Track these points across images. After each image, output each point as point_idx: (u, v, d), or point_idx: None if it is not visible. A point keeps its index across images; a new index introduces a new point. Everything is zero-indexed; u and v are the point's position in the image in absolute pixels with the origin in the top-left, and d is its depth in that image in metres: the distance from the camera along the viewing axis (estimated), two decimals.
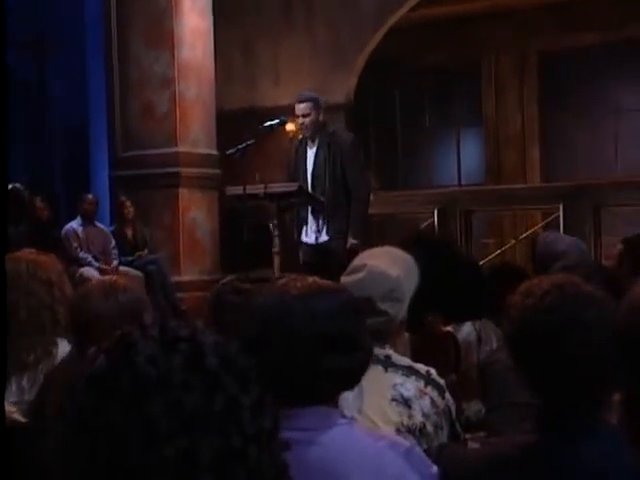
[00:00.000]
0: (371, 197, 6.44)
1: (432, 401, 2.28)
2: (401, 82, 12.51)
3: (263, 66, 10.86)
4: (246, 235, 6.12)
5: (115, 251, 8.86)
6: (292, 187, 5.84)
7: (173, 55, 9.18)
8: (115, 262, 8.76)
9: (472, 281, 3.60)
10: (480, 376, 3.12)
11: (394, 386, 2.26)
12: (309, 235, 6.02)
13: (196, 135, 9.37)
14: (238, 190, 5.91)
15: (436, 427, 2.27)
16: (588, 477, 1.46)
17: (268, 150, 8.04)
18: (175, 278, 9.00)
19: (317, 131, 6.00)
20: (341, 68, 10.38)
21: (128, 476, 0.92)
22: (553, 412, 1.54)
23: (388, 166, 12.30)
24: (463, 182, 12.26)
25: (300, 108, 6.02)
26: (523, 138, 12.03)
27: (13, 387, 2.79)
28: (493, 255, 9.59)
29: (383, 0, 10.22)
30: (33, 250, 3.10)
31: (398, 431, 2.21)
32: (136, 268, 8.76)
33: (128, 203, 9.02)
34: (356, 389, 1.89)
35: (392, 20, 10.30)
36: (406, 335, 2.51)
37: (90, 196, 9.14)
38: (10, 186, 9.57)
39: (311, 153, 6.04)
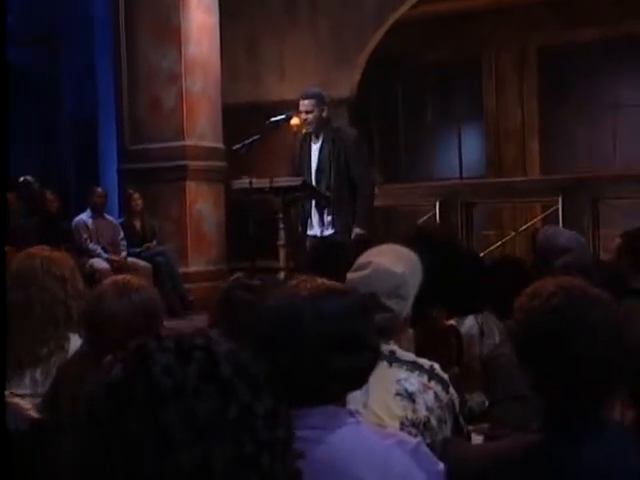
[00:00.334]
0: (375, 191, 6.44)
1: (436, 395, 2.29)
2: (403, 77, 12.49)
3: (268, 62, 10.84)
4: (252, 228, 6.12)
5: (124, 242, 8.87)
6: (297, 181, 5.83)
7: (180, 51, 9.19)
8: (124, 253, 8.77)
9: (474, 275, 3.61)
10: (483, 369, 3.13)
11: (398, 381, 2.26)
12: (314, 228, 6.02)
13: (203, 129, 9.38)
14: (244, 184, 5.90)
15: (440, 421, 2.27)
16: (592, 478, 1.47)
17: (273, 144, 8.03)
18: (182, 269, 9.01)
19: (321, 126, 5.99)
20: (344, 64, 10.36)
21: None
22: (557, 413, 1.55)
23: (391, 160, 12.29)
24: (464, 175, 12.23)
25: (304, 104, 6.01)
26: (523, 132, 12.01)
27: (27, 380, 2.81)
28: (493, 247, 9.60)
29: None
30: (46, 247, 3.10)
31: (402, 425, 2.22)
32: (144, 259, 8.77)
33: (136, 195, 9.03)
34: None
35: (394, 17, 10.28)
36: (410, 331, 2.51)
37: (99, 189, 9.15)
38: (21, 179, 9.60)
39: (315, 148, 6.04)
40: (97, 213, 8.83)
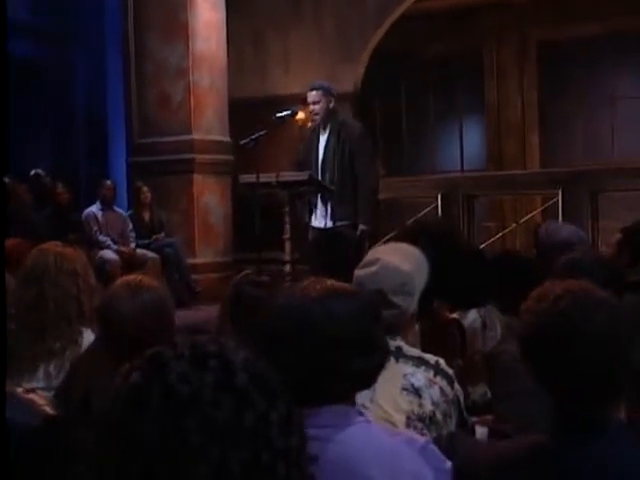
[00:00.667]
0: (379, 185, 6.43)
1: (441, 390, 2.29)
2: (406, 72, 12.45)
3: (273, 56, 10.82)
4: (258, 221, 6.12)
5: (133, 234, 8.86)
6: (303, 176, 5.83)
7: (187, 47, 9.18)
8: (133, 245, 8.77)
9: (475, 269, 3.61)
10: (486, 362, 3.12)
11: (405, 376, 2.26)
12: (318, 220, 6.02)
13: (210, 123, 9.37)
14: (251, 178, 5.89)
15: (445, 415, 2.27)
16: (599, 477, 1.46)
17: (279, 138, 8.02)
18: (190, 260, 9.01)
19: (328, 118, 5.97)
20: (348, 59, 10.33)
21: None
22: (563, 413, 1.54)
23: (394, 153, 12.26)
24: (465, 168, 12.21)
25: (311, 95, 6.00)
26: (523, 125, 11.98)
27: (40, 373, 2.82)
28: (494, 238, 9.59)
29: None
30: (59, 242, 3.10)
31: (409, 419, 2.22)
32: (153, 251, 8.77)
33: (145, 188, 9.02)
34: None
35: (397, 12, 10.25)
36: (416, 327, 2.51)
37: (109, 182, 9.13)
38: (32, 172, 9.61)
39: (322, 140, 6.02)
40: (106, 205, 8.81)
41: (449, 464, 1.53)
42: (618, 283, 2.66)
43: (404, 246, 2.57)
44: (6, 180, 8.98)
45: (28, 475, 1.73)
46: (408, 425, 2.20)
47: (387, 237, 8.89)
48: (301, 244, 6.04)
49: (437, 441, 2.11)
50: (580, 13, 11.15)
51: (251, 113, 9.37)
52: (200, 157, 9.23)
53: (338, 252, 5.67)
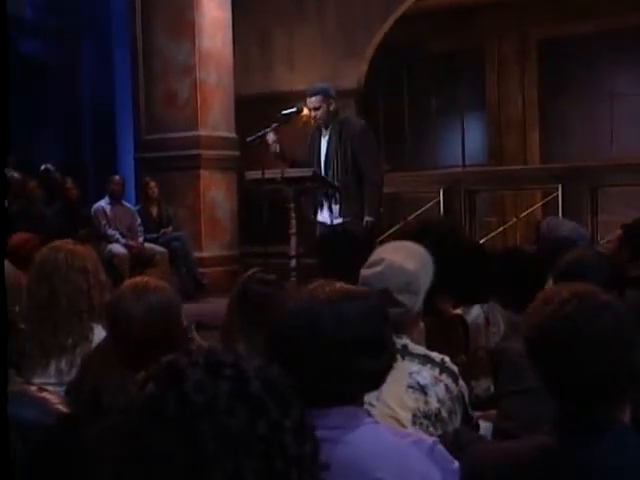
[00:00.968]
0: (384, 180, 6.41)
1: (447, 387, 2.27)
2: (409, 69, 12.43)
3: (278, 54, 10.80)
4: (265, 217, 6.11)
5: (141, 228, 8.86)
6: (307, 172, 5.81)
7: (194, 44, 9.17)
8: (141, 239, 8.77)
9: (479, 266, 3.59)
10: (489, 357, 3.11)
11: (410, 374, 2.25)
12: (324, 215, 6.01)
13: (216, 119, 9.36)
14: (257, 174, 5.88)
15: (450, 412, 2.26)
16: (603, 477, 1.45)
17: (285, 135, 8.00)
18: (197, 254, 9.03)
19: (329, 120, 5.95)
20: (351, 56, 10.31)
21: None
22: (569, 414, 1.53)
23: (397, 148, 12.23)
24: (467, 163, 12.18)
25: (311, 101, 5.96)
26: (524, 122, 11.95)
27: (52, 369, 2.81)
28: (495, 233, 9.59)
29: None
30: (70, 240, 3.09)
31: (415, 416, 2.21)
32: (161, 245, 8.78)
33: (153, 183, 9.02)
34: None
35: (400, 10, 10.23)
36: (422, 325, 2.49)
37: (117, 177, 9.12)
38: (42, 167, 9.60)
39: (324, 139, 6.00)
40: (115, 200, 8.80)
41: (456, 464, 1.52)
42: (620, 280, 2.64)
43: (409, 245, 2.55)
44: (17, 175, 8.99)
45: (42, 473, 1.72)
46: (414, 422, 2.19)
47: (390, 231, 8.91)
48: (307, 239, 6.03)
49: (443, 438, 2.11)
50: (579, 12, 11.11)
51: (257, 110, 9.35)
52: (206, 153, 9.23)
53: (345, 248, 5.70)
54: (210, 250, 9.30)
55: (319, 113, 5.92)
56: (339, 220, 5.88)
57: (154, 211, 9.06)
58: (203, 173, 9.26)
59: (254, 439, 0.93)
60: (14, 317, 2.03)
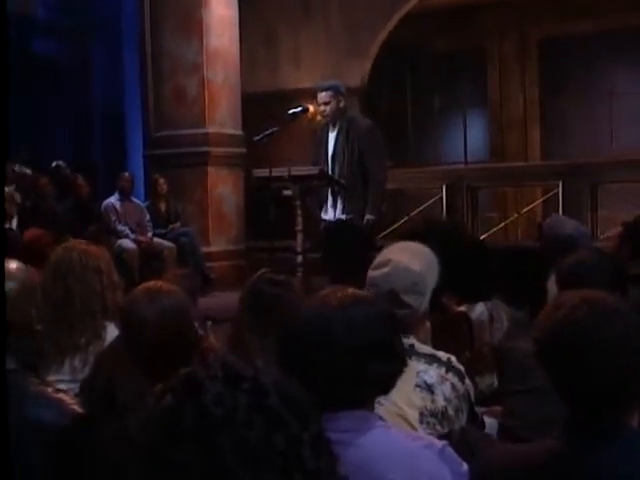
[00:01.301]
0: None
1: (453, 386, 2.27)
2: (411, 67, 12.40)
3: (284, 53, 10.79)
4: (272, 214, 6.11)
5: (150, 224, 8.86)
6: (314, 170, 5.80)
7: (202, 43, 9.16)
8: (150, 234, 8.77)
9: (483, 264, 3.59)
10: (495, 356, 3.11)
11: (418, 373, 2.25)
12: (328, 212, 6.00)
13: (223, 117, 9.35)
14: (264, 172, 5.87)
15: (457, 410, 2.26)
16: None
17: (290, 132, 7.98)
18: (204, 249, 9.02)
19: (338, 117, 5.93)
20: (356, 55, 10.30)
21: None
22: (578, 419, 1.52)
23: (400, 146, 12.21)
24: (469, 160, 12.16)
25: (321, 96, 5.93)
26: (525, 119, 11.93)
27: (66, 367, 2.81)
28: (496, 228, 9.58)
29: None
30: (83, 240, 3.09)
31: (422, 415, 2.21)
32: (169, 240, 8.78)
33: (161, 180, 9.02)
34: None
35: (404, 10, 10.21)
36: (428, 324, 2.49)
37: (126, 174, 9.13)
38: (54, 164, 9.60)
39: (332, 137, 5.98)
40: (125, 196, 8.81)
41: (465, 467, 1.52)
42: (622, 280, 2.63)
43: (415, 245, 2.54)
44: (29, 172, 8.99)
45: (58, 473, 1.72)
46: (421, 421, 2.19)
47: (393, 226, 8.91)
48: (312, 235, 6.02)
49: (449, 436, 2.10)
50: (579, 12, 11.08)
51: (263, 107, 9.36)
52: (214, 150, 9.23)
53: (346, 241, 5.70)
54: (217, 245, 9.31)
55: (328, 108, 5.88)
56: (342, 217, 5.87)
57: (163, 207, 9.06)
58: (211, 170, 9.26)
59: (272, 452, 0.93)
60: (31, 319, 2.03)
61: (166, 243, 8.69)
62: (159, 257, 8.59)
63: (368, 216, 5.81)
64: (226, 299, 7.77)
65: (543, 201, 9.61)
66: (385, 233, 8.14)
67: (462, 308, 3.46)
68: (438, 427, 2.20)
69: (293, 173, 5.70)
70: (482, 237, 8.77)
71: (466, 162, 12.12)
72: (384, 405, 2.14)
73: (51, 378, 2.71)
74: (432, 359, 2.30)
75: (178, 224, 9.01)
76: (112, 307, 2.84)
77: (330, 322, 1.52)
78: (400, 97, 12.52)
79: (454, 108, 12.49)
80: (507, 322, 3.49)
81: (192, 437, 0.92)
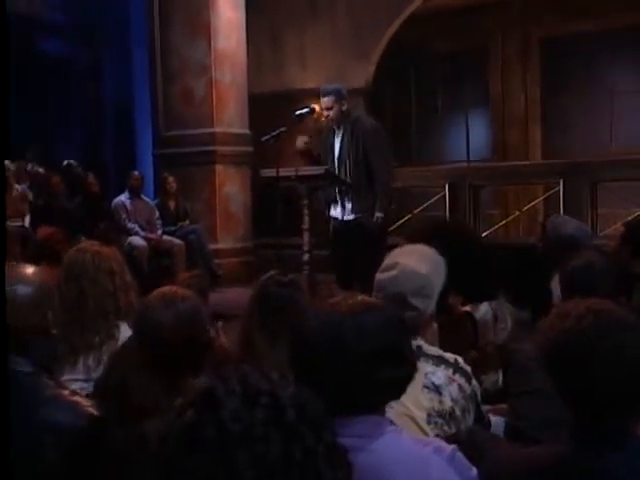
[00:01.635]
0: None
1: (460, 387, 2.26)
2: (415, 67, 12.38)
3: (290, 54, 10.78)
4: (279, 213, 6.11)
5: (159, 222, 8.87)
6: (320, 170, 5.79)
7: (210, 45, 9.16)
8: (159, 231, 8.78)
9: (488, 265, 3.58)
10: (499, 352, 3.10)
11: (425, 375, 2.24)
12: (336, 211, 6.00)
13: (231, 117, 9.36)
14: (272, 172, 5.86)
15: (464, 411, 2.25)
16: None
17: (296, 132, 7.98)
18: (212, 246, 9.03)
19: (342, 120, 5.92)
20: (361, 55, 10.29)
21: None
22: (585, 427, 1.51)
23: (404, 145, 12.20)
24: (472, 158, 12.13)
25: (324, 101, 5.91)
26: (526, 118, 11.90)
27: (80, 366, 2.81)
28: (498, 225, 9.59)
29: None
30: (96, 242, 3.09)
31: (429, 415, 2.20)
32: (178, 237, 8.79)
33: (170, 179, 9.02)
34: None
35: (408, 12, 10.20)
36: (435, 326, 2.48)
37: (136, 172, 9.13)
38: (65, 163, 9.61)
39: (337, 139, 5.97)
40: (134, 194, 8.81)
41: (474, 471, 1.52)
42: (626, 283, 2.62)
43: (422, 248, 2.53)
44: (41, 171, 9.00)
45: (76, 474, 1.72)
46: (429, 421, 2.18)
47: (398, 223, 8.91)
48: (319, 233, 6.03)
49: (456, 436, 2.10)
50: (580, 11, 11.04)
51: (269, 107, 9.36)
52: (222, 149, 9.23)
53: (358, 241, 5.71)
54: (225, 242, 9.32)
55: (332, 113, 5.88)
56: (351, 216, 5.87)
57: (172, 205, 9.07)
58: (218, 168, 9.27)
59: (289, 465, 0.92)
60: (48, 322, 2.03)
61: (175, 240, 8.70)
62: (168, 254, 8.60)
63: (378, 214, 5.82)
64: (234, 295, 7.80)
65: (544, 199, 9.60)
66: (390, 230, 8.13)
67: (467, 308, 3.45)
68: (445, 427, 2.19)
69: (300, 173, 5.70)
70: (484, 234, 8.78)
71: (468, 160, 12.09)
72: (393, 406, 2.13)
73: (65, 377, 2.72)
74: (439, 360, 2.29)
75: (187, 222, 9.02)
76: (125, 307, 2.85)
77: (341, 329, 1.51)
78: (404, 97, 12.49)
79: (457, 107, 12.46)
80: (511, 322, 3.49)
81: (211, 452, 0.92)
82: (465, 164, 11.68)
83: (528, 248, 4.20)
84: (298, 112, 6.08)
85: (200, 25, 9.15)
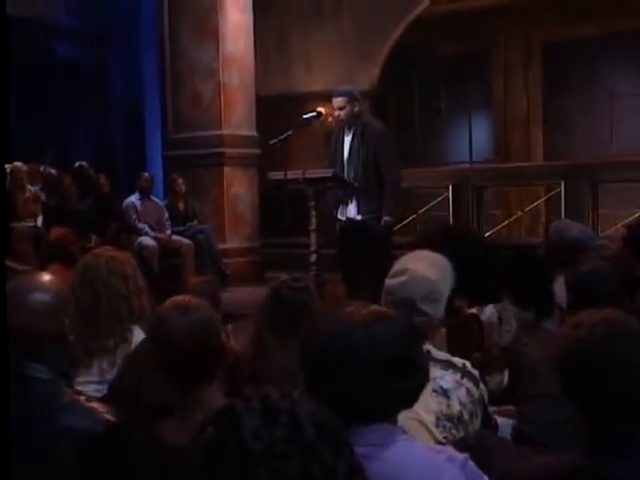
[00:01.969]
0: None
1: (468, 391, 2.26)
2: (419, 70, 12.36)
3: (296, 57, 10.77)
4: (287, 214, 6.11)
5: (168, 222, 8.87)
6: (327, 173, 5.78)
7: (218, 48, 9.16)
8: (169, 232, 8.78)
9: (493, 268, 3.57)
10: (504, 354, 3.10)
11: (434, 379, 2.23)
12: (344, 213, 5.98)
13: (238, 119, 9.36)
14: (279, 175, 5.86)
15: (471, 415, 2.25)
16: None
17: (303, 135, 7.98)
18: (221, 245, 9.04)
19: (353, 121, 5.89)
20: (366, 58, 10.28)
21: None
22: (599, 436, 1.50)
23: (408, 146, 12.18)
24: (474, 160, 12.12)
25: (337, 102, 5.88)
26: (528, 120, 11.88)
27: (95, 369, 2.81)
28: (501, 226, 9.58)
29: None
30: (109, 247, 3.09)
31: (438, 419, 2.20)
32: (187, 237, 8.79)
33: (179, 180, 9.03)
34: None
35: (412, 15, 10.19)
36: (443, 330, 2.47)
37: (146, 174, 9.14)
38: (77, 164, 9.62)
39: (347, 140, 5.94)
40: (144, 195, 8.82)
41: (485, 479, 1.51)
42: (631, 288, 2.62)
43: (430, 254, 2.52)
44: (54, 172, 9.01)
45: (92, 478, 1.72)
46: (437, 425, 2.18)
47: (402, 223, 8.91)
48: (326, 234, 6.03)
49: (464, 440, 2.09)
50: (581, 15, 11.01)
51: (276, 109, 9.36)
52: (230, 151, 9.24)
53: (362, 242, 5.71)
54: (233, 242, 9.32)
55: (343, 113, 5.85)
56: (358, 217, 5.87)
57: (181, 206, 9.08)
58: (226, 170, 9.28)
59: None
60: (65, 329, 2.03)
61: (184, 240, 8.70)
62: (177, 254, 8.61)
63: (386, 217, 5.80)
64: (241, 294, 7.81)
65: (546, 200, 9.59)
66: (394, 230, 8.13)
67: (473, 310, 3.45)
68: (454, 431, 2.18)
69: (307, 175, 5.70)
70: (487, 234, 8.78)
71: (471, 161, 12.08)
72: (402, 411, 2.13)
73: (80, 379, 2.72)
74: (448, 365, 2.28)
75: (195, 222, 9.02)
76: (138, 311, 2.85)
77: (353, 338, 1.51)
78: (408, 100, 12.48)
79: (460, 110, 12.44)
80: (515, 324, 3.48)
81: (232, 470, 0.91)
82: (468, 165, 11.68)
83: (530, 249, 4.18)
84: (305, 116, 6.08)
85: (208, 29, 9.15)
